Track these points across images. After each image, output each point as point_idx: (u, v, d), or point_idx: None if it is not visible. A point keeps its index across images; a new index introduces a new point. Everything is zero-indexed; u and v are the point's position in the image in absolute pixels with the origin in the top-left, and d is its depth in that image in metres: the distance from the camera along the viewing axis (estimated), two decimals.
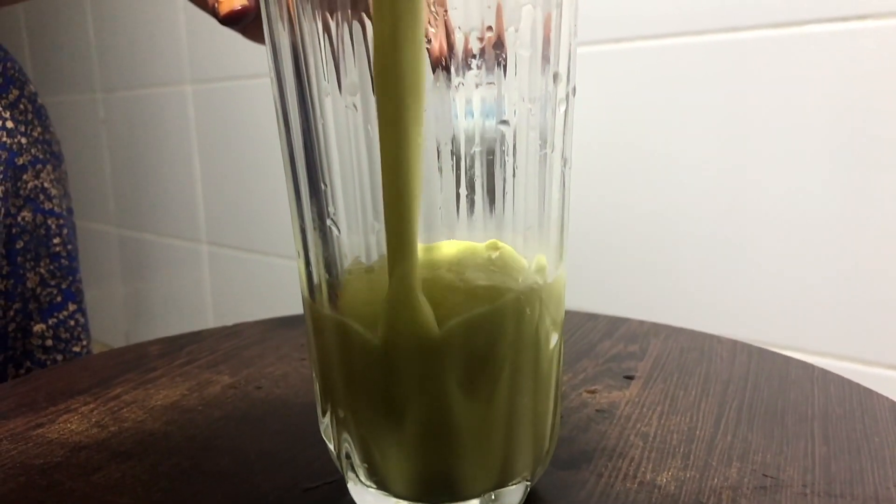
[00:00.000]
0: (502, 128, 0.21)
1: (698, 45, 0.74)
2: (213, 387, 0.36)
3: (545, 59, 0.21)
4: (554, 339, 0.24)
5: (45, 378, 0.38)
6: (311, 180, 0.23)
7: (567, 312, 0.46)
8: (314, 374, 0.25)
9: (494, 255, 0.22)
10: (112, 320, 1.79)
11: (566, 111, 0.23)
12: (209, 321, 1.50)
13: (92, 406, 0.34)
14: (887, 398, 0.33)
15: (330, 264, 0.23)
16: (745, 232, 0.73)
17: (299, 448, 0.30)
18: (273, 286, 1.30)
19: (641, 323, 0.44)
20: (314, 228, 0.23)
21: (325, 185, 0.22)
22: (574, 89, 0.24)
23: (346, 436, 0.24)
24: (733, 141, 0.73)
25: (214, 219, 1.43)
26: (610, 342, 0.41)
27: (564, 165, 0.23)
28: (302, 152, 0.23)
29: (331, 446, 0.25)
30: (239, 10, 0.28)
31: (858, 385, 0.34)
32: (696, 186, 0.76)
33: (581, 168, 0.81)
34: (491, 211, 0.22)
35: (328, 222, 0.22)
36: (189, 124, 1.44)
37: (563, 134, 0.23)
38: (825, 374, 0.36)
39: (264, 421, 0.33)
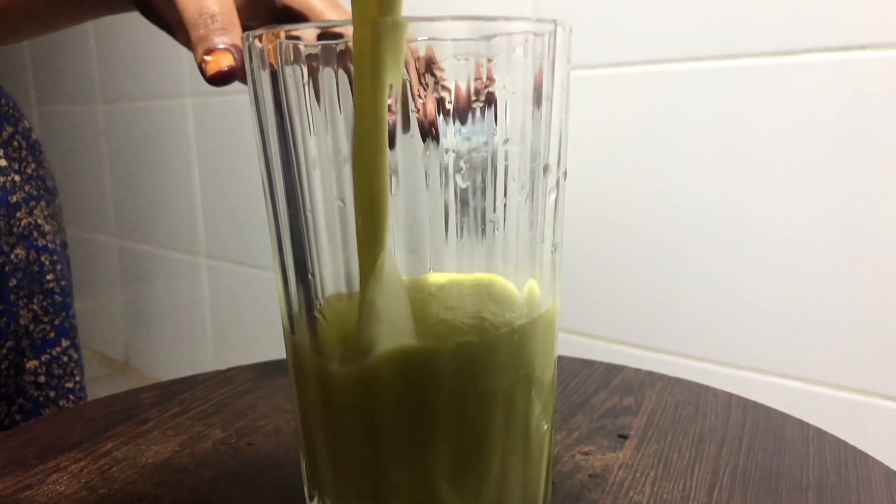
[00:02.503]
0: (490, 219, 0.21)
1: (699, 72, 0.74)
2: (204, 442, 0.36)
3: (535, 152, 0.21)
4: (545, 425, 0.24)
5: (36, 430, 0.38)
6: (298, 268, 0.22)
7: (562, 358, 0.46)
8: (301, 455, 0.25)
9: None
10: (111, 331, 1.79)
11: (556, 199, 0.23)
12: (208, 334, 1.50)
13: (82, 464, 0.34)
14: (883, 464, 0.32)
15: (318, 351, 0.23)
16: (744, 259, 0.73)
17: None
18: (271, 301, 1.30)
19: (637, 371, 0.43)
20: (301, 314, 0.23)
21: (313, 275, 0.22)
22: (565, 173, 0.23)
23: None
24: (733, 167, 0.73)
25: (213, 232, 1.43)
26: (605, 394, 0.40)
27: (554, 251, 0.23)
28: (289, 240, 0.22)
29: None
30: (226, 70, 0.28)
31: (854, 448, 0.34)
32: (696, 212, 0.76)
33: (580, 189, 0.81)
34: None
35: (316, 314, 0.22)
36: (189, 137, 1.44)
37: (554, 222, 0.23)
38: (820, 434, 0.35)
39: (255, 483, 0.32)
